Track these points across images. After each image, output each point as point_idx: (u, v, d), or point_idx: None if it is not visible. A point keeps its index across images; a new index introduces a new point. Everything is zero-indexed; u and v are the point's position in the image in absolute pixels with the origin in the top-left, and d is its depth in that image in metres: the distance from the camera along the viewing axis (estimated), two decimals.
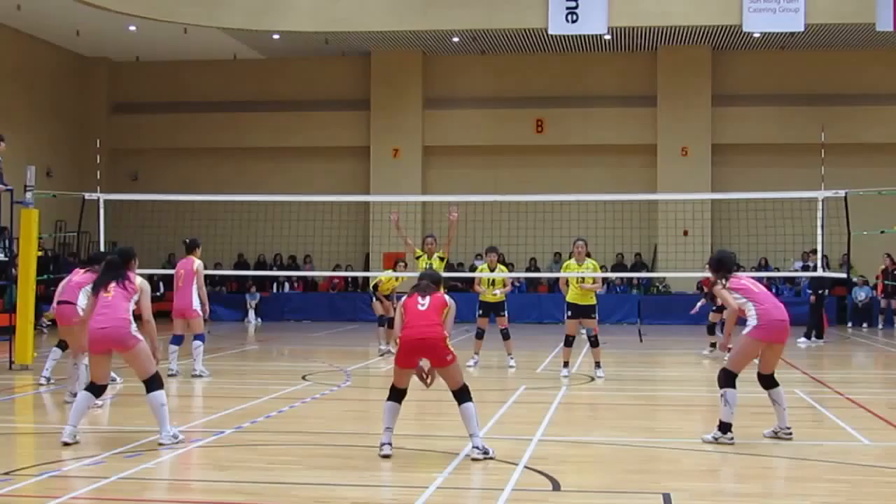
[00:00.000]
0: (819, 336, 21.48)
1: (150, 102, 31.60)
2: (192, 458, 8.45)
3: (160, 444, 8.80)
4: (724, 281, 9.49)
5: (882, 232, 21.05)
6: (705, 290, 17.92)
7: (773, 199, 20.60)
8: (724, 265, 9.59)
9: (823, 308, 21.95)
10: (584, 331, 15.02)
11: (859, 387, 14.79)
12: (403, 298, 8.87)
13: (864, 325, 26.78)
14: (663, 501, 7.00)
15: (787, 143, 28.90)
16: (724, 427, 9.19)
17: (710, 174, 29.09)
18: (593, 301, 14.58)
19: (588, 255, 14.88)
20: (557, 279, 28.54)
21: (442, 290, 8.92)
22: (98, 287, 9.23)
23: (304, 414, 11.14)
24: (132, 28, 27.20)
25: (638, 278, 28.95)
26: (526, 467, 8.05)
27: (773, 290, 28.08)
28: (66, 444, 8.71)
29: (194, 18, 26.60)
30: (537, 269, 28.76)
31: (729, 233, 25.82)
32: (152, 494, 7.22)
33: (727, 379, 9.26)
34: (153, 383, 8.94)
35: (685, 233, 25.80)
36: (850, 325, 27.12)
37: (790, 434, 9.43)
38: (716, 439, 9.19)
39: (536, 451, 8.76)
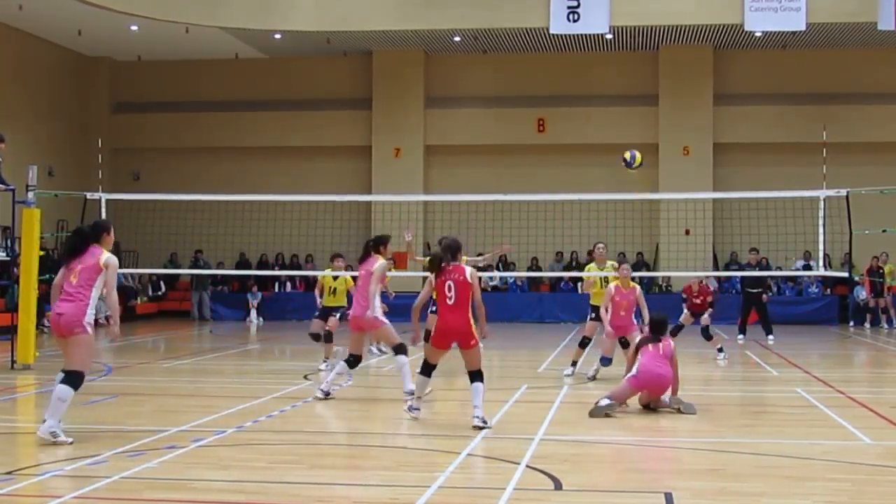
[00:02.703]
0: (742, 332, 21.46)
1: (151, 102, 31.62)
2: (194, 458, 8.46)
3: (38, 433, 8.73)
4: (646, 344, 11.22)
5: (884, 231, 21.04)
6: (684, 296, 17.82)
7: (774, 199, 20.60)
8: (660, 328, 11.35)
9: (757, 306, 21.67)
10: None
11: (861, 386, 14.81)
12: (433, 277, 9.89)
13: (866, 323, 26.82)
14: (665, 500, 7.00)
15: (788, 142, 28.89)
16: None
17: (712, 173, 29.09)
18: None
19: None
20: (560, 278, 28.82)
21: (463, 260, 10.15)
22: (65, 264, 9.04)
23: (305, 413, 11.15)
24: (134, 28, 27.22)
25: (640, 277, 28.92)
26: (528, 466, 8.05)
27: (776, 289, 28.06)
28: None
29: (196, 18, 26.61)
30: (539, 269, 28.78)
31: (731, 232, 25.82)
32: (154, 494, 7.22)
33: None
34: (72, 378, 8.83)
35: (687, 232, 25.79)
36: (851, 324, 27.12)
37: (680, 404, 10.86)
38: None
39: (538, 450, 8.76)
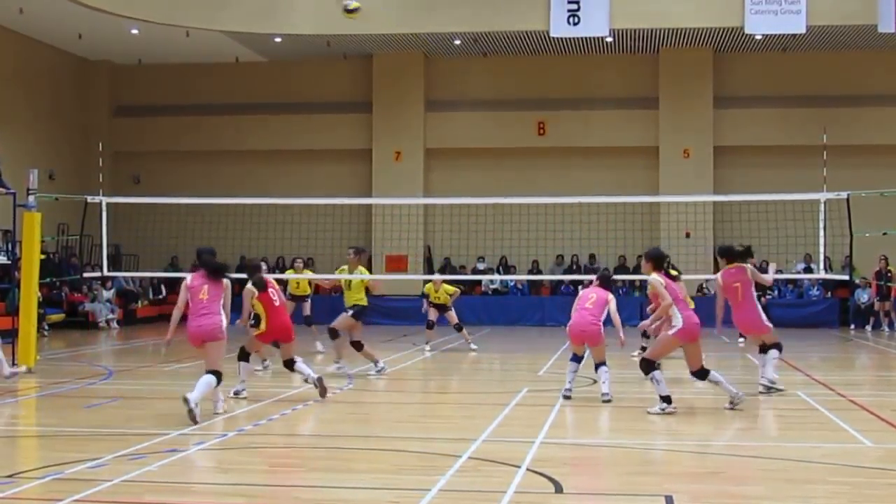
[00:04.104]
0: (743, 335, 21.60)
1: (152, 105, 31.63)
2: (195, 461, 8.47)
3: (215, 411, 10.80)
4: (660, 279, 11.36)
5: (884, 233, 21.03)
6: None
7: (774, 201, 20.59)
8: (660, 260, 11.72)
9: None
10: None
11: (862, 388, 14.81)
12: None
13: (867, 326, 26.81)
14: (665, 503, 7.00)
15: (788, 144, 28.89)
16: (665, 399, 10.94)
17: (712, 176, 29.09)
18: None
19: None
20: (560, 281, 28.81)
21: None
22: (195, 289, 10.85)
23: (306, 417, 11.15)
24: (134, 31, 27.24)
25: (640, 280, 28.91)
26: (528, 469, 8.05)
27: (776, 291, 28.05)
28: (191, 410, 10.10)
29: (196, 21, 26.64)
30: (539, 272, 28.76)
31: (731, 234, 25.74)
32: (155, 497, 7.22)
33: (649, 366, 11.16)
34: (215, 373, 10.60)
35: (687, 234, 25.79)
36: (852, 326, 27.11)
37: (742, 398, 11.22)
38: (663, 410, 10.84)
39: (538, 453, 8.76)
